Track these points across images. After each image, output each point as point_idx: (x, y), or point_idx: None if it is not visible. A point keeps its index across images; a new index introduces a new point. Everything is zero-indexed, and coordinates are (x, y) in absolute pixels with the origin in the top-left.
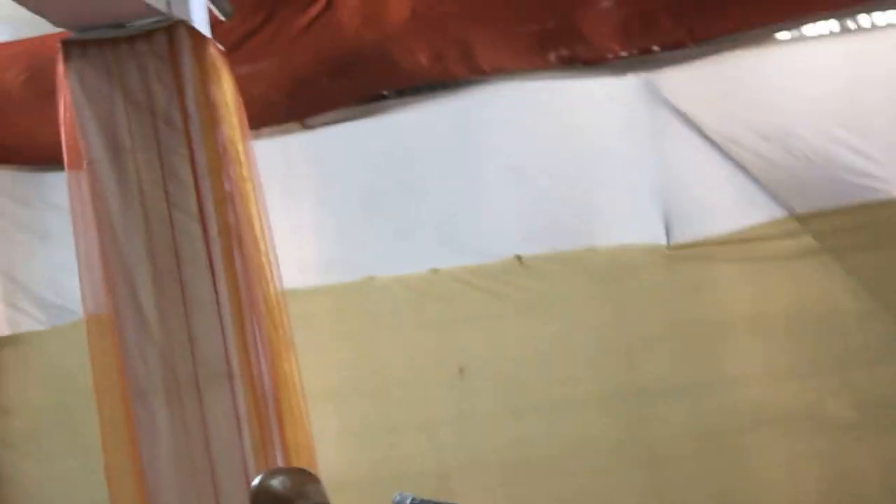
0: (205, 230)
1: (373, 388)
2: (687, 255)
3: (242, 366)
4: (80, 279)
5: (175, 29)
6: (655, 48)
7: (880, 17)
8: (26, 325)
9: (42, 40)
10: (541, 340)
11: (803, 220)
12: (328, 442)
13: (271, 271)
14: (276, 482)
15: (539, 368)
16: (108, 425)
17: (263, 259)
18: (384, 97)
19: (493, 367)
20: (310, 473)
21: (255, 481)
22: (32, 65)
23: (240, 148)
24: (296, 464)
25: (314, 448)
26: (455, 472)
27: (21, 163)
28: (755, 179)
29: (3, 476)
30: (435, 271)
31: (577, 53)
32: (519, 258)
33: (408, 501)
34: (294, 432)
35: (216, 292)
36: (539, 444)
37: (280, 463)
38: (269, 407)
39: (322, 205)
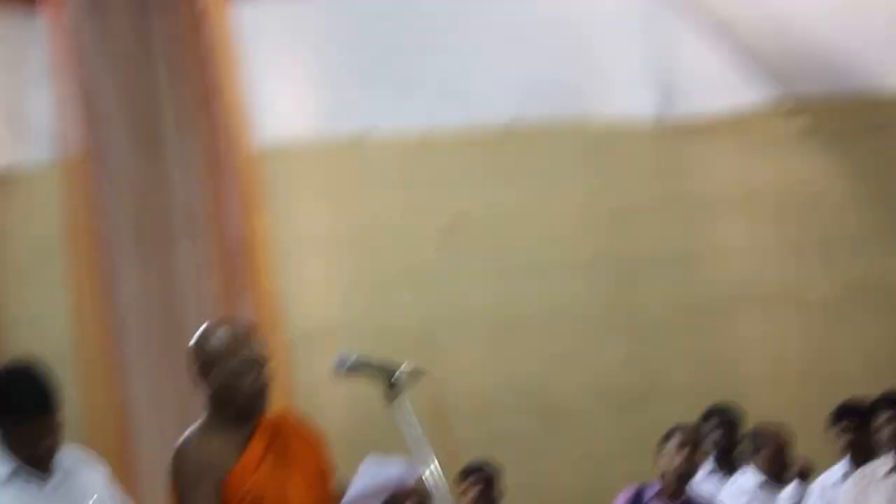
0: (180, 89)
1: (362, 241)
2: (679, 131)
3: (212, 218)
4: (57, 123)
5: None
6: None
7: None
8: (29, 159)
9: None
10: (530, 204)
11: (796, 104)
12: (314, 293)
13: (248, 132)
14: (214, 338)
15: (527, 231)
16: (77, 269)
17: (239, 121)
18: None
19: (481, 226)
20: (249, 330)
21: (195, 336)
22: None
23: (221, 15)
24: (260, 313)
25: (279, 299)
26: (440, 327)
27: None
28: (752, 61)
29: None
30: (428, 133)
31: None
32: (511, 128)
33: (350, 359)
34: (260, 283)
35: (190, 149)
36: (524, 304)
37: (245, 311)
38: (235, 259)
39: (323, 60)
